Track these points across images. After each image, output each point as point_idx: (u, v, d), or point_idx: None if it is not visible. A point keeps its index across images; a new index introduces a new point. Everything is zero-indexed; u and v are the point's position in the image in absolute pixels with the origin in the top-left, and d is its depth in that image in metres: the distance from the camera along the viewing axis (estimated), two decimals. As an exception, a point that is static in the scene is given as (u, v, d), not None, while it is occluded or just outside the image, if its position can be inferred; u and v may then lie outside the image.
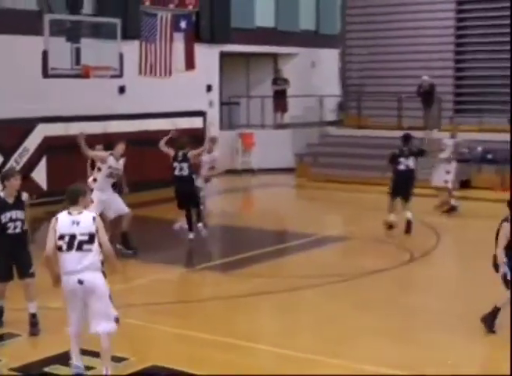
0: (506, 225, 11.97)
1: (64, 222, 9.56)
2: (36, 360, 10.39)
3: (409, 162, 19.80)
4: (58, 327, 10.46)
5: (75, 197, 9.74)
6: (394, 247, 17.77)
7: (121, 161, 16.85)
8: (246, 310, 13.11)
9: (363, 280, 14.96)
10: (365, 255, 17.58)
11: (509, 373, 9.37)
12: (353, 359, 10.55)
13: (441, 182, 22.21)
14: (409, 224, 19.34)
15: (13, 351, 10.88)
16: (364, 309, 13.02)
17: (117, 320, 9.59)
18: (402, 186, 19.57)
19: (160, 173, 20.01)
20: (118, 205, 16.77)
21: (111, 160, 16.59)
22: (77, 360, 9.71)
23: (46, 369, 10.06)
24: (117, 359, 10.05)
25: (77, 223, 9.51)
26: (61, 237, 9.49)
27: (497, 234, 12.16)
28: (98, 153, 17.19)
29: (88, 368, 10.08)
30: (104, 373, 9.55)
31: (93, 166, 17.80)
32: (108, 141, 24.42)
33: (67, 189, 9.93)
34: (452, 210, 22.08)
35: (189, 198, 18.33)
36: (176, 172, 18.27)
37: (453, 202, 22.19)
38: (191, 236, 18.14)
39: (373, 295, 13.99)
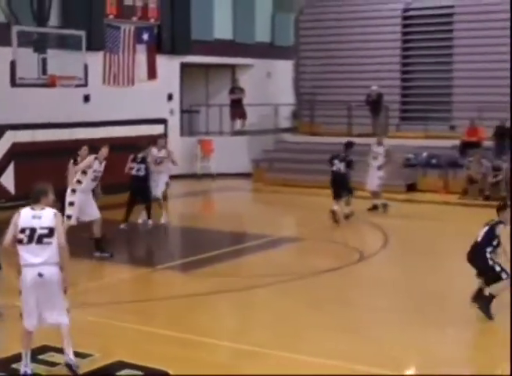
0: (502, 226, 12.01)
1: (26, 216, 9.70)
2: (3, 358, 10.23)
3: (341, 166, 20.79)
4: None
5: (38, 195, 9.92)
6: (344, 247, 17.82)
7: (103, 164, 16.65)
8: (206, 308, 13.07)
9: (315, 278, 14.98)
10: (318, 255, 17.63)
11: (509, 373, 9.37)
12: (305, 352, 10.57)
13: (375, 187, 22.45)
14: (333, 214, 20.36)
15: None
16: (316, 306, 13.04)
17: (67, 311, 9.74)
18: (333, 185, 20.78)
19: (124, 177, 19.92)
20: (92, 210, 16.48)
21: (96, 164, 16.41)
22: (25, 365, 9.62)
23: (14, 365, 9.94)
24: (82, 356, 10.00)
25: (39, 217, 9.62)
26: (22, 231, 9.57)
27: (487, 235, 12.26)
28: (84, 163, 16.66)
29: (53, 364, 10.03)
30: (67, 359, 9.62)
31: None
32: (74, 147, 24.45)
33: (32, 188, 10.13)
34: (375, 208, 22.50)
35: (141, 195, 19.79)
36: (133, 172, 19.65)
37: (383, 201, 22.62)
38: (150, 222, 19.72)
39: (324, 293, 14.01)
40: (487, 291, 12.20)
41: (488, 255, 12.18)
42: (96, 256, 16.10)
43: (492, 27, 29.62)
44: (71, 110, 25.18)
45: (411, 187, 26.80)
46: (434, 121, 29.66)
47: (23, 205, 20.21)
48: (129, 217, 19.65)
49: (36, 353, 10.08)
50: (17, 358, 9.75)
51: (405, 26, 32.47)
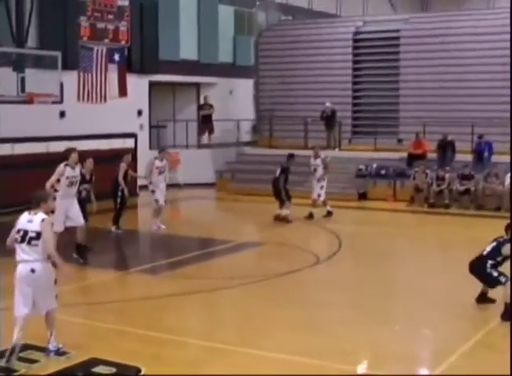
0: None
1: (23, 219, 10.12)
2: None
3: (277, 174, 21.61)
4: (5, 325, 10.25)
5: (38, 201, 10.22)
6: (303, 251, 17.79)
7: (77, 168, 16.02)
8: (176, 308, 12.99)
9: (277, 280, 14.95)
10: (278, 258, 17.61)
11: (509, 373, 9.33)
12: (268, 349, 10.53)
13: (316, 196, 22.41)
14: (276, 217, 21.33)
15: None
16: (278, 305, 13.00)
17: (56, 297, 10.17)
18: (273, 191, 21.71)
19: (101, 185, 19.77)
20: (76, 216, 15.92)
21: (68, 171, 15.70)
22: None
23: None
24: (59, 353, 9.89)
25: (31, 221, 10.00)
26: (18, 231, 10.06)
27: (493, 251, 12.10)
28: (55, 173, 15.91)
29: (32, 361, 9.90)
30: (49, 337, 10.11)
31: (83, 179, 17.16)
32: (50, 159, 24.25)
33: (33, 194, 10.42)
34: (311, 217, 22.28)
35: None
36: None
37: (329, 209, 22.57)
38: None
39: (285, 293, 13.98)
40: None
41: (488, 265, 12.02)
42: (74, 257, 15.79)
43: (434, 50, 29.90)
44: (48, 125, 25.01)
45: (362, 196, 26.88)
46: (382, 134, 29.78)
47: (2, 214, 20.05)
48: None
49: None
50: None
51: (355, 48, 32.60)
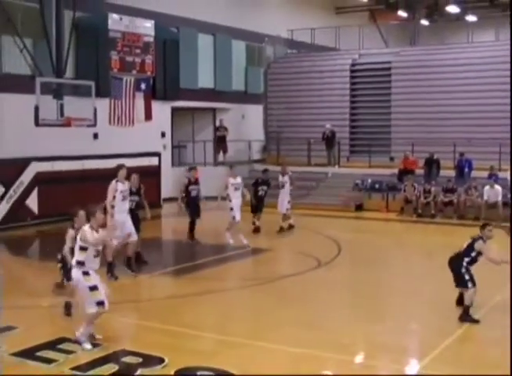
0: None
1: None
2: (30, 347, 10.16)
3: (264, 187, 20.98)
4: (46, 321, 10.30)
5: (87, 216, 10.32)
6: (305, 256, 17.76)
7: (127, 183, 15.29)
8: (194, 306, 12.99)
9: (283, 282, 14.95)
10: (284, 263, 17.66)
11: (509, 373, 9.32)
12: (275, 341, 10.52)
13: (284, 210, 21.33)
14: (256, 228, 20.96)
15: (12, 340, 10.60)
16: (284, 304, 13.01)
17: (99, 303, 9.98)
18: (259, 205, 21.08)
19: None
20: (128, 230, 14.90)
21: (119, 186, 15.07)
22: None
23: (38, 354, 9.86)
24: (93, 345, 9.92)
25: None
26: None
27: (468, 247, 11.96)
28: (109, 192, 15.09)
29: (69, 352, 9.94)
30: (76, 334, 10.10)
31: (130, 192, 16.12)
32: (85, 175, 24.38)
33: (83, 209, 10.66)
34: (282, 230, 21.22)
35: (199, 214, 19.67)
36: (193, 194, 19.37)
37: (291, 222, 21.65)
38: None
39: (291, 293, 13.98)
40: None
41: (464, 264, 11.91)
42: (126, 270, 15.19)
43: (421, 79, 30.01)
44: (83, 145, 25.10)
45: (359, 207, 26.85)
46: (376, 153, 29.73)
47: (45, 223, 19.99)
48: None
49: (55, 343, 9.97)
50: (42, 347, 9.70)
51: (352, 77, 32.68)
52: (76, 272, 10.07)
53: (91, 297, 9.97)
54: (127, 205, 15.23)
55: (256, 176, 22.90)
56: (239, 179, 19.94)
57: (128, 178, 15.44)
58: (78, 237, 10.17)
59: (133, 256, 15.45)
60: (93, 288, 9.96)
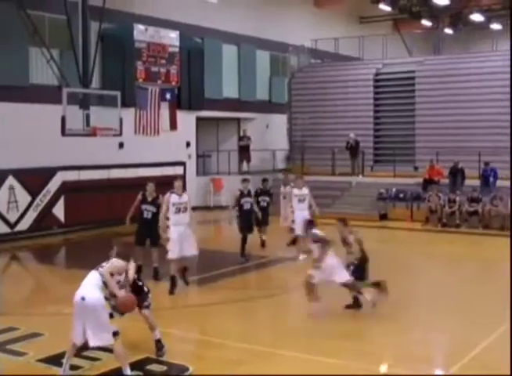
0: None
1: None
2: (56, 354, 10.18)
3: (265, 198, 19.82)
4: (71, 328, 10.29)
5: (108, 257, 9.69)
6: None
7: (185, 196, 14.60)
8: (218, 314, 12.98)
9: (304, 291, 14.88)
10: (305, 273, 17.49)
11: (509, 373, 9.25)
12: (301, 350, 10.49)
13: (290, 222, 19.66)
14: (262, 242, 19.73)
15: (38, 347, 10.69)
16: (308, 312, 12.94)
17: (115, 334, 9.18)
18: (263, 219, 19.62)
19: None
20: (189, 246, 14.50)
21: (173, 198, 14.41)
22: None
23: (64, 360, 9.87)
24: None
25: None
26: None
27: None
28: (164, 203, 14.61)
29: (94, 359, 9.95)
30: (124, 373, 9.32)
31: (144, 201, 15.78)
32: (111, 184, 24.50)
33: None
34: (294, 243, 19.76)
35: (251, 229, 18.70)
36: (246, 207, 18.38)
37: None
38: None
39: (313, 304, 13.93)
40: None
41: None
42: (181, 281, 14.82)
43: (445, 88, 29.86)
44: (109, 154, 25.25)
45: (383, 216, 26.73)
46: (400, 162, 29.64)
47: (71, 232, 20.00)
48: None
49: (80, 350, 9.92)
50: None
51: (376, 87, 32.65)
52: (99, 297, 9.24)
53: (110, 325, 9.21)
54: (183, 218, 14.45)
55: (280, 185, 22.54)
56: (305, 190, 19.00)
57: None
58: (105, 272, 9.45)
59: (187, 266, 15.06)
60: (111, 316, 9.36)
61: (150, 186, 15.81)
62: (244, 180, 18.98)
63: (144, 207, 15.73)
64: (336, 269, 12.85)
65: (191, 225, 14.71)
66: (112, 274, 9.36)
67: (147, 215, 15.68)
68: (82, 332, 9.12)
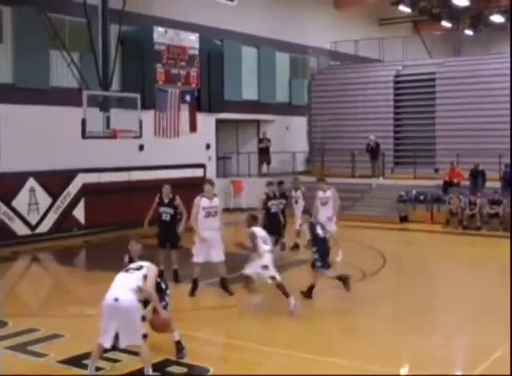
0: None
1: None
2: (76, 355, 10.24)
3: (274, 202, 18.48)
4: (92, 330, 10.30)
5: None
6: (350, 267, 17.60)
7: (216, 200, 14.30)
8: (238, 316, 12.98)
9: (328, 293, 14.82)
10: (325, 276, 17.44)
11: (509, 373, 9.19)
12: (320, 353, 10.45)
13: (299, 226, 19.30)
14: (283, 245, 18.88)
15: (59, 348, 10.72)
16: (330, 314, 12.96)
17: (144, 336, 9.19)
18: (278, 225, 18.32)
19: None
20: (216, 252, 14.22)
21: (204, 202, 14.11)
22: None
23: (85, 362, 9.90)
24: (135, 353, 9.90)
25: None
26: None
27: None
28: (194, 207, 14.16)
29: (115, 361, 9.96)
30: (145, 373, 9.28)
31: (161, 203, 15.61)
32: (131, 186, 24.58)
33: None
34: (296, 247, 19.82)
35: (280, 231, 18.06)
36: (273, 209, 18.03)
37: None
38: None
39: (336, 304, 13.90)
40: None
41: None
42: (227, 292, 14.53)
43: (465, 89, 29.77)
44: (129, 156, 25.34)
45: (404, 219, 26.63)
46: (421, 164, 29.53)
47: (91, 233, 20.02)
48: None
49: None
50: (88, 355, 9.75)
51: (396, 88, 32.58)
52: (133, 298, 9.14)
53: (141, 328, 9.23)
54: (213, 223, 14.14)
55: (307, 187, 22.09)
56: (329, 193, 18.66)
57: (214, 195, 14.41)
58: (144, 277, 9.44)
59: (226, 276, 14.75)
60: (143, 319, 9.40)
61: (166, 188, 15.75)
62: (269, 183, 18.77)
63: (162, 209, 15.66)
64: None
65: (221, 230, 14.44)
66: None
67: (165, 217, 15.65)
68: (114, 335, 9.04)
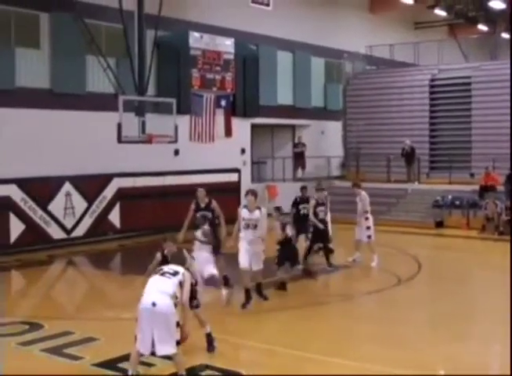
0: None
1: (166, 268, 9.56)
2: (111, 358, 10.31)
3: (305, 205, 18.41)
4: (127, 333, 10.34)
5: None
6: (385, 273, 17.55)
7: (257, 212, 13.70)
8: (272, 321, 12.98)
9: (362, 298, 14.80)
10: (364, 280, 17.39)
11: (509, 373, 9.10)
12: (354, 358, 10.43)
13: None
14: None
15: (94, 351, 10.79)
16: (364, 321, 12.88)
17: (178, 343, 9.09)
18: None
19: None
20: (256, 260, 13.86)
21: (244, 213, 13.73)
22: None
23: (119, 365, 9.97)
24: (169, 358, 9.91)
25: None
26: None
27: None
28: (238, 216, 13.87)
29: (149, 365, 9.99)
30: None
31: (197, 208, 15.39)
32: (166, 191, 24.69)
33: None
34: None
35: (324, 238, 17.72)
36: (321, 216, 17.56)
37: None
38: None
39: (370, 310, 13.86)
40: None
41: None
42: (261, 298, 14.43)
43: (501, 93, 29.36)
44: (164, 161, 25.44)
45: (439, 224, 26.43)
46: (456, 169, 29.31)
47: (126, 237, 20.09)
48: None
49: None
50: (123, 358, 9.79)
51: (432, 93, 32.31)
52: (170, 303, 9.05)
53: (176, 333, 9.09)
54: (252, 235, 13.69)
55: (337, 192, 22.33)
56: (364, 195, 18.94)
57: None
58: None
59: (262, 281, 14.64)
60: (178, 324, 9.19)
61: (200, 192, 15.44)
62: (319, 189, 18.50)
63: (200, 214, 15.33)
64: (206, 263, 13.83)
65: (261, 243, 13.87)
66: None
67: (203, 221, 15.27)
68: (151, 341, 8.94)
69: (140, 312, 9.02)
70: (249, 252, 13.70)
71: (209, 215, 15.30)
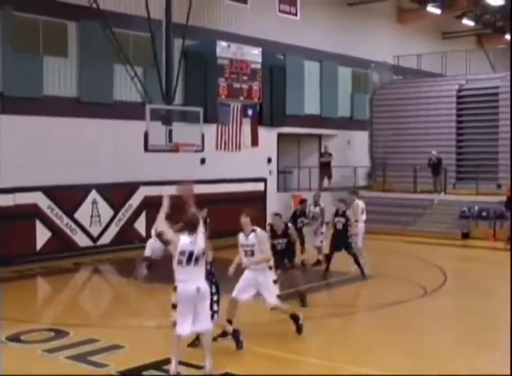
0: None
1: (184, 241, 9.92)
2: (136, 366, 10.32)
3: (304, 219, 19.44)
4: (152, 341, 10.40)
5: (193, 226, 10.12)
6: (411, 283, 17.45)
7: (251, 236, 11.73)
8: (294, 330, 12.91)
9: (387, 309, 14.70)
10: (389, 290, 17.24)
11: (509, 373, 9.02)
12: (376, 368, 10.39)
13: (319, 243, 19.96)
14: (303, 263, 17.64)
15: (118, 358, 10.80)
16: (389, 331, 12.79)
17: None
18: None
19: (231, 225, 19.80)
20: (267, 296, 12.09)
21: (240, 238, 11.93)
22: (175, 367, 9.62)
23: (144, 373, 9.98)
24: (197, 367, 9.93)
25: (194, 243, 9.84)
26: (182, 253, 9.75)
27: None
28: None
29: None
30: (207, 367, 9.63)
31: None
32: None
33: (186, 219, 10.29)
34: (318, 263, 19.60)
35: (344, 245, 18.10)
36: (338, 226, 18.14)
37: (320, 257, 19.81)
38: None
39: (395, 321, 13.74)
40: None
41: None
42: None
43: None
44: (190, 170, 25.39)
45: (466, 235, 26.27)
46: (483, 180, 29.13)
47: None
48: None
49: (161, 364, 10.01)
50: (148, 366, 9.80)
51: (459, 103, 32.19)
52: (207, 286, 9.93)
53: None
54: (248, 262, 11.79)
55: (369, 202, 22.12)
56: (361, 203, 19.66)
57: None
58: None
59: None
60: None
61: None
62: (341, 200, 18.86)
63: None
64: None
65: (268, 271, 12.09)
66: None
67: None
68: (192, 322, 9.55)
69: (183, 298, 9.53)
70: (249, 281, 11.91)
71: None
